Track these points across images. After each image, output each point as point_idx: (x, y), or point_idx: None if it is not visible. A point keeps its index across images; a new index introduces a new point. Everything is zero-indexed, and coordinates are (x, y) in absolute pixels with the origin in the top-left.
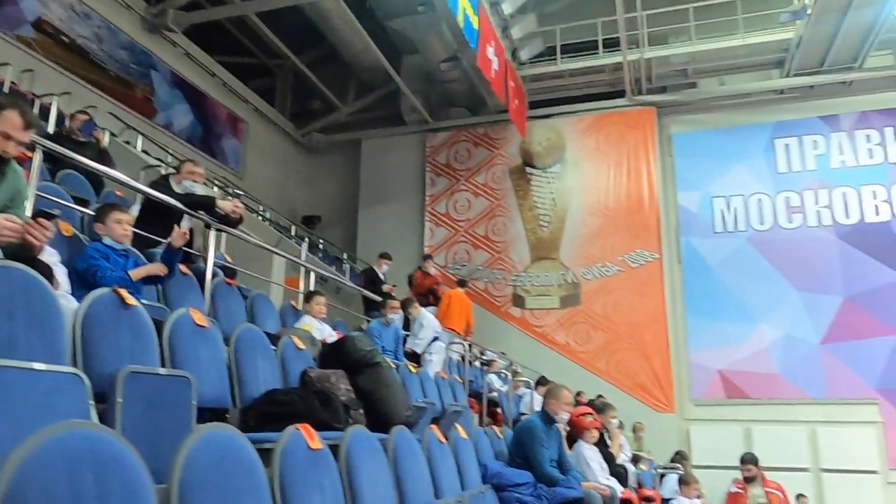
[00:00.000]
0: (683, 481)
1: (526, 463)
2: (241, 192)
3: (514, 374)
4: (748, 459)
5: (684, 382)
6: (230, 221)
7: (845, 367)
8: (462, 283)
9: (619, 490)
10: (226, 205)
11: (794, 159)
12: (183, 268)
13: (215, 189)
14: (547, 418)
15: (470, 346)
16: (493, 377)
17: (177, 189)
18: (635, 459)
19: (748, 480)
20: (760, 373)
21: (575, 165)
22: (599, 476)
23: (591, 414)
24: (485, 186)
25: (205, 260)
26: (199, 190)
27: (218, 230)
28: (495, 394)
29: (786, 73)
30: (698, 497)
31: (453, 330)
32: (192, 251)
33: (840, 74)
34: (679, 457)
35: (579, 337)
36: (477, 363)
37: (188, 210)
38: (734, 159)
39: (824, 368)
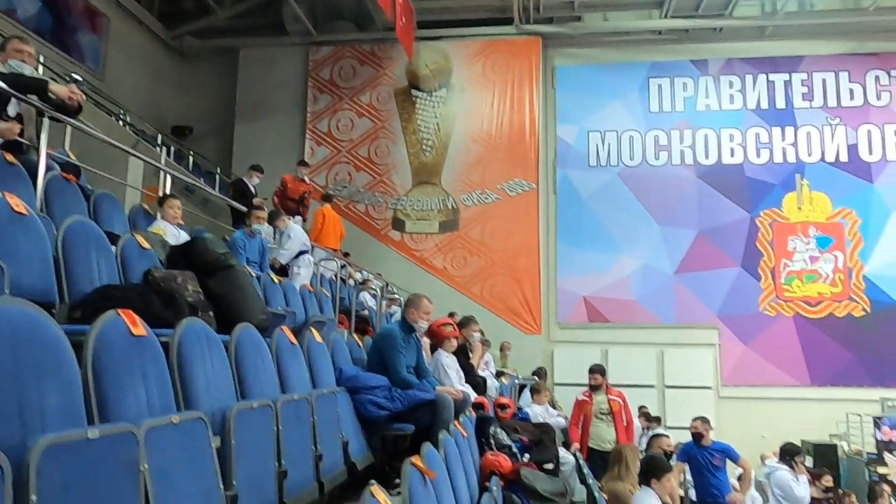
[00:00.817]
0: (535, 390)
1: (383, 369)
2: (80, 79)
3: (392, 295)
4: (595, 370)
5: (552, 307)
6: (66, 109)
7: (693, 295)
8: (328, 198)
9: (473, 396)
10: (61, 90)
11: (665, 100)
12: (9, 157)
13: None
14: (406, 327)
15: (344, 265)
16: (366, 295)
17: (0, 69)
18: (499, 374)
19: (594, 389)
20: (620, 299)
21: (461, 91)
22: (455, 382)
23: (451, 325)
24: (369, 107)
25: (37, 151)
26: (28, 71)
27: (52, 118)
28: (367, 311)
29: (664, 14)
30: (551, 404)
31: (330, 248)
32: (21, 140)
33: (712, 20)
34: (538, 371)
35: (456, 262)
36: (352, 282)
37: (14, 92)
38: (612, 96)
39: (675, 296)
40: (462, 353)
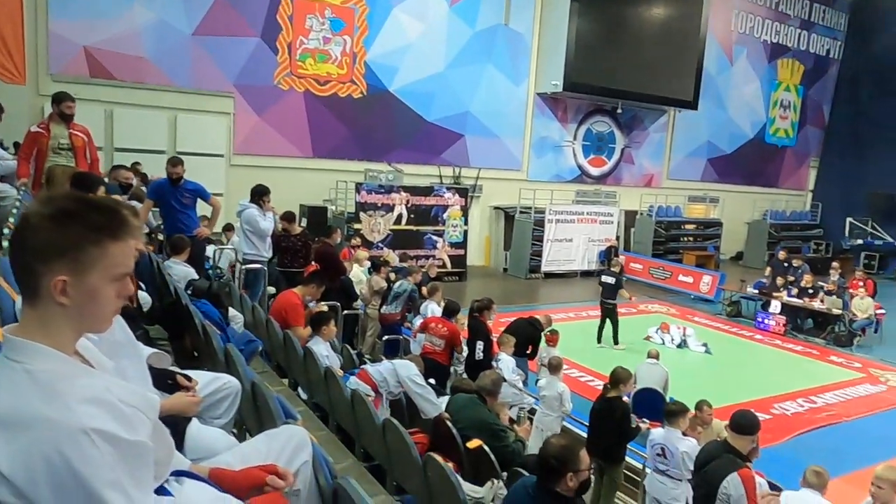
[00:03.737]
0: None
1: None
2: None
3: None
4: (58, 100)
5: (41, 54)
6: None
7: (210, 60)
8: None
9: None
10: None
11: None
12: None
13: None
14: None
15: None
16: None
17: None
18: None
19: (61, 118)
20: (129, 55)
21: None
22: None
23: None
24: None
25: None
26: None
27: None
28: None
29: None
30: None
31: None
32: None
33: None
34: None
35: None
36: None
37: None
38: None
39: (192, 59)
40: None
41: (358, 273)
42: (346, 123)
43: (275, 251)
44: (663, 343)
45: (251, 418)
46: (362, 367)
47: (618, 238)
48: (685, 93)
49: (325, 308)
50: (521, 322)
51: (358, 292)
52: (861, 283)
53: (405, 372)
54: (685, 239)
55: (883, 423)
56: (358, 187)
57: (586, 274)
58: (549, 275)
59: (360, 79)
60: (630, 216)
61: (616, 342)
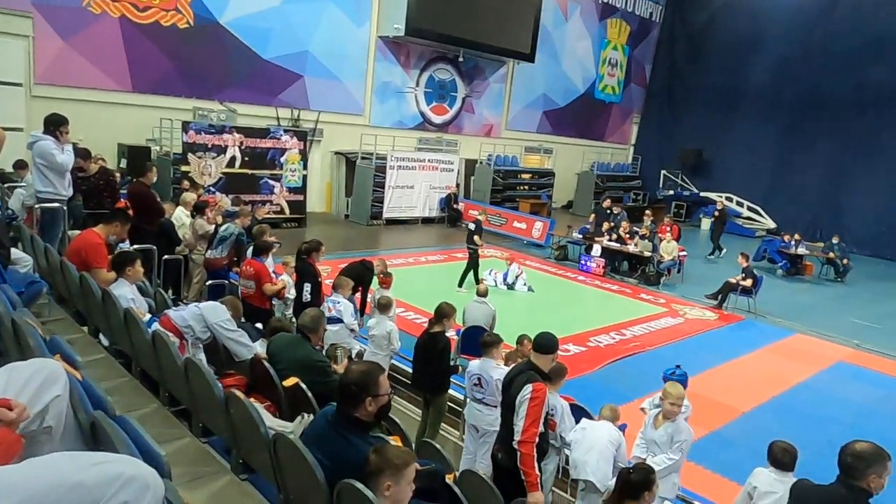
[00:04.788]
0: None
1: None
2: None
3: None
4: None
5: None
6: None
7: None
8: None
9: None
10: None
11: None
12: None
13: None
14: None
15: None
16: None
17: None
18: None
19: None
20: None
21: None
22: None
23: None
24: None
25: None
26: None
27: None
28: None
29: None
30: None
31: None
32: None
33: None
34: None
35: None
36: None
37: None
38: None
39: None
40: None
41: (181, 216)
42: (172, 56)
43: (75, 192)
44: (495, 284)
45: (16, 359)
46: (164, 312)
47: (458, 186)
48: (523, 45)
49: (132, 249)
50: (354, 264)
51: (181, 236)
52: (668, 229)
53: (214, 318)
54: (521, 188)
55: (679, 351)
56: (185, 126)
57: (427, 221)
58: (390, 221)
59: (185, 7)
60: (470, 165)
61: (460, 285)
